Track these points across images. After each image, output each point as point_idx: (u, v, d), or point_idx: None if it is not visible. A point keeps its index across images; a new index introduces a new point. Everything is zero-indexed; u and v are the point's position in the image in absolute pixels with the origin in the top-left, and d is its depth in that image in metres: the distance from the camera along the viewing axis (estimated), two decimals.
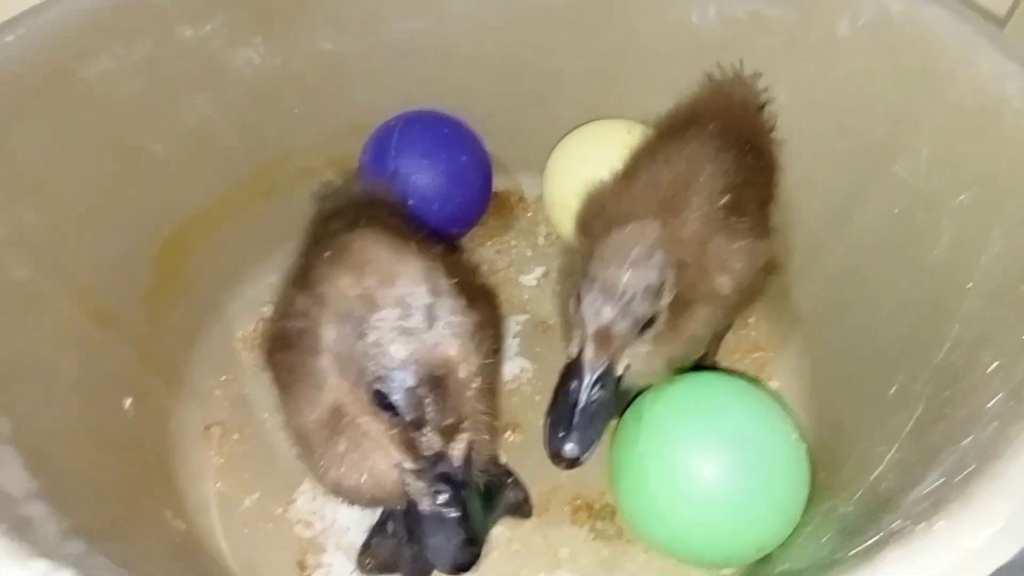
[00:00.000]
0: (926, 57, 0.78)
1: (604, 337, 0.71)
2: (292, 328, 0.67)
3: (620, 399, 0.78)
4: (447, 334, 0.54)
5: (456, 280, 0.58)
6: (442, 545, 0.59)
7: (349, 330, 0.56)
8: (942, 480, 0.53)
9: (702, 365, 0.98)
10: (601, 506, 0.91)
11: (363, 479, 0.68)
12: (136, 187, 0.90)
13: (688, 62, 0.98)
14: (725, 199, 0.80)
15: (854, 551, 0.53)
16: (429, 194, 1.02)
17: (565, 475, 0.92)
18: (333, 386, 0.62)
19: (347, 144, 1.07)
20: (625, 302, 0.70)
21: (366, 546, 0.88)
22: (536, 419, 0.97)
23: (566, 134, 1.08)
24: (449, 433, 0.56)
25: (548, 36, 1.05)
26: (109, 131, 0.86)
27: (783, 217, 0.93)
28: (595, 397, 0.72)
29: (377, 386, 0.55)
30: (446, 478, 0.57)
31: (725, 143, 0.85)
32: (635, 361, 0.74)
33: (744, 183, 0.83)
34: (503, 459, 0.93)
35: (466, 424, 0.57)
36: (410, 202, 0.98)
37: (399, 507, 0.87)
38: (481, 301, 0.84)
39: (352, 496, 0.72)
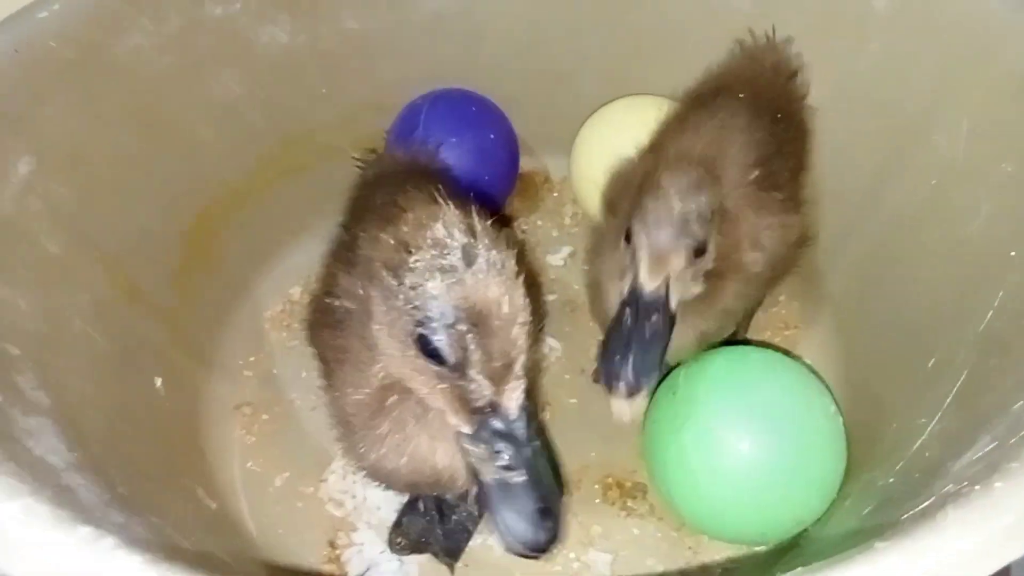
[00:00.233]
0: (969, 28, 0.77)
1: (660, 258, 0.69)
2: (338, 306, 0.66)
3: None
4: (487, 271, 0.52)
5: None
6: (513, 521, 0.54)
7: (390, 280, 0.54)
8: (994, 444, 0.53)
9: (733, 341, 0.97)
10: (632, 484, 0.90)
11: (403, 462, 0.66)
12: (166, 163, 0.90)
13: (717, 38, 0.98)
14: (756, 173, 0.79)
15: (906, 515, 0.52)
16: (457, 172, 1.01)
17: (596, 453, 0.92)
18: (382, 358, 0.60)
19: (373, 122, 1.07)
20: (681, 222, 0.69)
21: (397, 524, 0.88)
22: (566, 398, 0.97)
23: (594, 112, 1.07)
24: (499, 378, 0.52)
25: (575, 13, 1.04)
26: (140, 107, 0.86)
27: (815, 191, 0.92)
28: (652, 324, 0.70)
29: (420, 330, 0.52)
30: (504, 435, 0.54)
31: (756, 113, 0.84)
32: (685, 300, 0.72)
33: (776, 154, 0.82)
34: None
35: (518, 369, 0.53)
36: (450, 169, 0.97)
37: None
38: (528, 282, 0.83)
39: (389, 479, 0.70)
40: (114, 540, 0.49)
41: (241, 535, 0.87)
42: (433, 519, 0.87)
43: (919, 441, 0.68)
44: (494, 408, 0.53)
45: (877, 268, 0.90)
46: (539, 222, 1.16)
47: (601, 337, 0.77)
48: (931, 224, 0.81)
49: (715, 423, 0.76)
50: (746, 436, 0.74)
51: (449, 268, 0.51)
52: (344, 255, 0.72)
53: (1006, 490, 0.43)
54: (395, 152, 0.97)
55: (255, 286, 1.06)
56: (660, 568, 0.84)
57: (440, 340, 0.52)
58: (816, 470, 0.75)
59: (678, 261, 0.69)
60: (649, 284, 0.70)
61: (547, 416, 0.96)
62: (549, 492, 0.54)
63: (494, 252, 0.53)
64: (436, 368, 0.54)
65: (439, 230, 0.53)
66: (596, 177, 0.98)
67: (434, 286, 0.51)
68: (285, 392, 0.99)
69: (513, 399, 0.53)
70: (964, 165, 0.77)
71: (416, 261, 0.52)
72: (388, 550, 0.87)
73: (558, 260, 1.11)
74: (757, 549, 0.84)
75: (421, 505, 0.88)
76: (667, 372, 0.86)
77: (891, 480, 0.68)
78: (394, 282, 0.54)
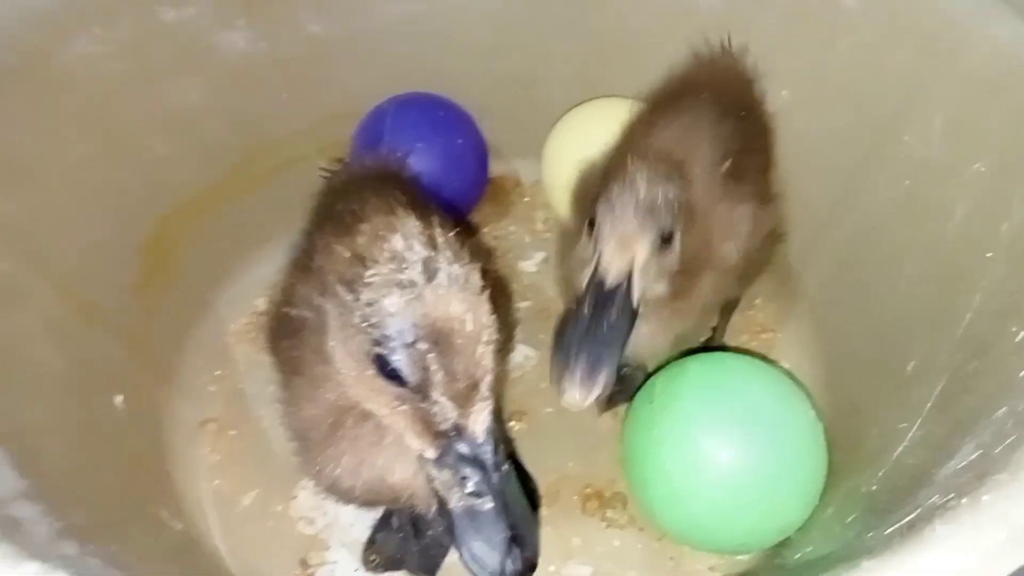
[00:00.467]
0: (938, 24, 0.76)
1: (624, 243, 0.66)
2: (295, 316, 0.64)
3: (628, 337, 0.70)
4: (449, 286, 0.48)
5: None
6: (481, 551, 0.51)
7: (345, 295, 0.51)
8: (979, 452, 0.51)
9: (709, 347, 0.96)
10: (612, 494, 0.88)
11: (360, 482, 0.63)
12: (121, 175, 0.87)
13: (686, 38, 0.96)
14: (725, 165, 0.78)
15: (891, 528, 0.50)
16: (424, 179, 0.99)
17: (574, 463, 0.90)
18: (338, 375, 0.57)
19: (338, 130, 1.04)
20: (647, 207, 0.66)
21: (371, 542, 0.86)
22: (543, 407, 0.95)
23: (564, 114, 1.06)
24: (464, 400, 0.49)
25: (542, 16, 1.02)
26: (91, 116, 0.83)
27: (787, 191, 0.91)
28: (611, 317, 0.67)
29: (377, 350, 0.49)
30: (471, 460, 0.50)
31: (721, 110, 0.83)
32: (647, 298, 0.69)
33: (743, 149, 0.81)
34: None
35: (484, 390, 0.50)
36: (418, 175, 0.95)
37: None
38: (495, 292, 0.81)
39: (347, 497, 0.67)
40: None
41: (209, 557, 0.84)
42: (408, 535, 0.85)
43: (901, 447, 0.67)
44: (459, 431, 0.50)
45: (853, 270, 0.89)
46: (511, 228, 1.14)
47: None
48: (905, 225, 0.80)
49: (693, 431, 0.74)
50: (725, 444, 0.73)
51: (408, 283, 0.48)
52: (304, 263, 0.70)
53: (994, 504, 0.42)
54: (362, 159, 0.94)
55: (218, 299, 1.03)
56: None
57: (399, 360, 0.49)
58: (797, 477, 0.74)
59: (643, 248, 0.67)
60: (611, 272, 0.67)
61: (523, 426, 0.94)
62: (520, 519, 0.51)
63: (456, 265, 0.50)
64: (396, 389, 0.50)
65: (397, 242, 0.50)
66: (568, 181, 0.97)
67: (392, 302, 0.48)
68: (252, 407, 0.96)
69: (479, 422, 0.50)
70: (938, 165, 0.77)
71: (373, 275, 0.49)
72: (362, 568, 0.84)
73: (531, 266, 1.09)
74: (739, 558, 0.83)
75: (395, 521, 0.85)
76: (644, 380, 0.85)
77: (874, 487, 0.67)
78: (349, 297, 0.50)
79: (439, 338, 0.48)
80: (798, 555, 0.73)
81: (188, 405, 0.95)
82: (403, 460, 0.61)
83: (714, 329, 0.97)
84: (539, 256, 1.10)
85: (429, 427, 0.51)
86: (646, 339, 0.75)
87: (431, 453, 0.52)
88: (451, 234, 0.52)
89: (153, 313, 0.92)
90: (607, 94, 1.05)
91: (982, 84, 0.72)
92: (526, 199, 1.17)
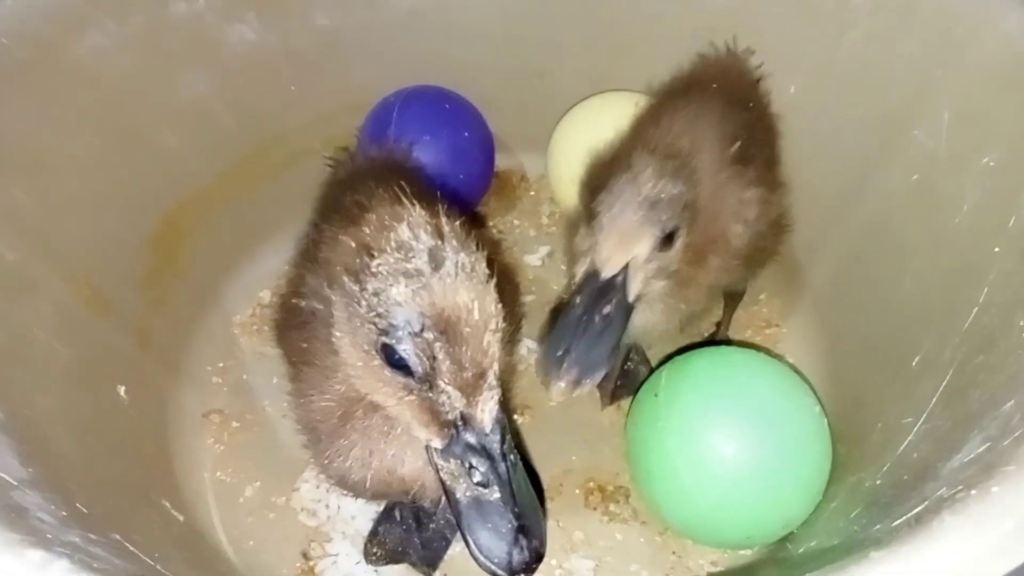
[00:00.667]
0: (947, 17, 0.76)
1: (622, 241, 0.65)
2: (304, 307, 0.63)
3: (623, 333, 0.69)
4: (456, 275, 0.48)
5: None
6: (488, 541, 0.50)
7: (351, 286, 0.50)
8: (987, 445, 0.51)
9: (714, 341, 0.96)
10: (615, 488, 0.88)
11: (369, 473, 0.63)
12: (130, 167, 0.87)
13: (695, 31, 0.96)
14: (735, 147, 0.78)
15: (898, 521, 0.50)
16: (430, 171, 0.99)
17: (577, 457, 0.90)
18: (345, 367, 0.57)
19: (346, 122, 1.04)
20: (649, 205, 0.65)
21: (373, 534, 0.85)
22: (547, 401, 0.95)
23: (570, 108, 1.06)
24: (471, 389, 0.49)
25: (550, 8, 1.02)
26: (102, 109, 0.83)
27: (794, 185, 0.91)
28: (605, 314, 0.65)
29: (384, 339, 0.49)
30: (478, 449, 0.50)
31: (728, 102, 0.83)
32: (648, 297, 0.69)
33: (750, 139, 0.81)
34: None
35: (491, 379, 0.49)
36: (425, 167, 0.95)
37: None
38: (502, 282, 0.81)
39: (358, 490, 0.67)
40: (67, 564, 0.47)
41: (210, 548, 0.84)
42: (410, 528, 0.84)
43: (906, 441, 0.67)
44: (466, 421, 0.50)
45: (859, 263, 0.89)
46: (516, 221, 1.14)
47: None
48: (913, 219, 0.80)
49: (698, 425, 0.74)
50: (730, 437, 0.73)
51: (414, 272, 0.48)
52: (313, 254, 0.70)
53: (1003, 495, 0.42)
54: (368, 150, 0.94)
55: (224, 292, 1.03)
56: (645, 574, 0.83)
57: (406, 350, 0.49)
58: (801, 471, 0.74)
59: (641, 247, 0.66)
60: (607, 267, 0.66)
61: (527, 420, 0.93)
62: (527, 509, 0.51)
63: (463, 254, 0.49)
64: (402, 379, 0.50)
65: (403, 232, 0.50)
66: (574, 175, 0.96)
67: (398, 292, 0.48)
68: (256, 399, 0.96)
69: (486, 411, 0.50)
70: (946, 159, 0.76)
71: (379, 265, 0.49)
72: (364, 561, 0.84)
73: (536, 260, 1.09)
74: (743, 553, 0.83)
75: (397, 514, 0.85)
76: (648, 374, 0.84)
77: (879, 482, 0.67)
78: (355, 287, 0.50)
79: (446, 327, 0.48)
80: (802, 549, 0.73)
81: (192, 396, 0.95)
82: (413, 451, 0.61)
83: (718, 324, 0.97)
84: (544, 250, 1.10)
85: (436, 417, 0.51)
86: (652, 321, 0.75)
87: (438, 443, 0.51)
88: (457, 223, 0.52)
89: (160, 305, 0.92)
90: (614, 88, 1.05)
91: (991, 77, 0.72)
92: (531, 193, 1.17)
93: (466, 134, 1.04)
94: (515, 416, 0.93)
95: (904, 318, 0.79)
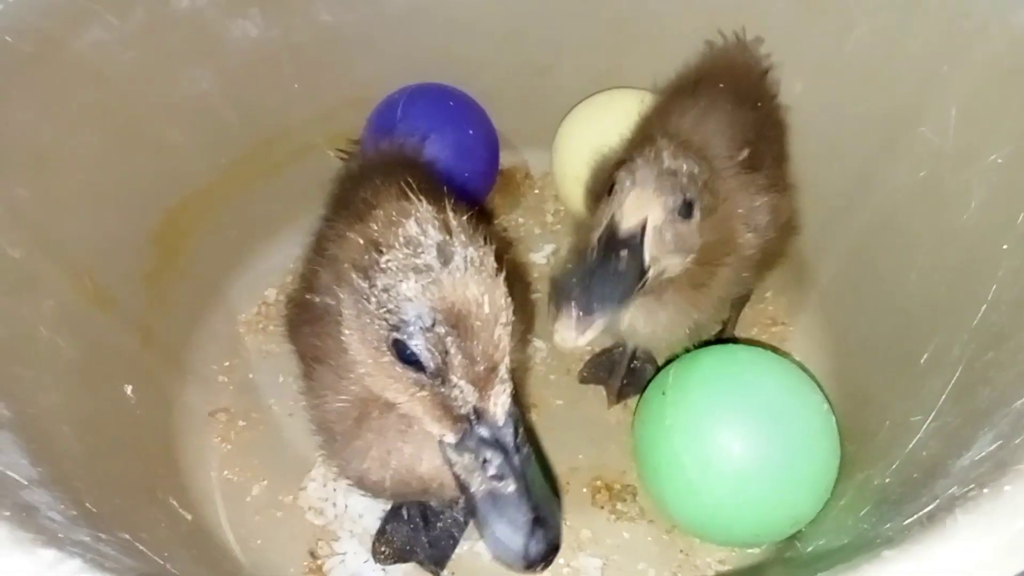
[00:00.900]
0: (955, 12, 0.75)
1: (641, 200, 0.65)
2: (318, 302, 0.63)
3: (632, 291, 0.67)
4: (465, 270, 0.48)
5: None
6: (506, 534, 0.50)
7: (360, 283, 0.50)
8: (998, 443, 0.51)
9: (721, 339, 0.95)
10: (622, 486, 0.88)
11: (389, 473, 0.63)
12: (133, 163, 0.87)
13: (701, 26, 0.95)
14: (743, 155, 0.78)
15: (909, 519, 0.50)
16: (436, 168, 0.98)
17: (584, 455, 0.90)
18: (357, 366, 0.57)
19: (349, 118, 1.04)
20: (670, 174, 0.66)
21: (380, 533, 0.85)
22: (553, 399, 0.95)
23: (575, 105, 1.05)
24: (483, 383, 0.49)
25: (554, 3, 1.02)
26: (104, 105, 0.83)
27: (801, 182, 0.91)
28: (621, 259, 0.65)
29: (395, 335, 0.49)
30: (491, 443, 0.50)
31: (737, 101, 0.83)
32: (661, 276, 0.68)
33: (758, 139, 0.81)
34: None
35: (503, 373, 0.49)
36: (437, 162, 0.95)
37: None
38: (512, 279, 0.80)
39: (376, 490, 0.67)
40: (79, 563, 0.47)
41: (218, 547, 0.84)
42: (418, 526, 0.84)
43: (915, 439, 0.66)
44: (479, 415, 0.50)
45: (866, 260, 0.88)
46: (520, 219, 1.13)
47: None
48: (920, 215, 0.80)
49: (705, 423, 0.74)
50: (737, 435, 0.73)
51: (424, 268, 0.48)
52: (324, 250, 0.70)
53: (1016, 493, 0.42)
54: (378, 145, 0.93)
55: (229, 289, 1.03)
56: (652, 572, 0.83)
57: (418, 345, 0.48)
58: (809, 469, 0.73)
59: (660, 207, 0.66)
60: (624, 223, 0.66)
61: (534, 418, 0.93)
62: (542, 501, 0.51)
63: (471, 248, 0.49)
64: (414, 375, 0.50)
65: (411, 227, 0.50)
66: (578, 172, 0.96)
67: (408, 287, 0.48)
68: (262, 398, 0.96)
69: (499, 404, 0.50)
70: (953, 155, 0.76)
71: (388, 261, 0.49)
72: (372, 559, 0.84)
73: (541, 258, 1.09)
74: (751, 551, 0.83)
75: (405, 512, 0.85)
76: (655, 372, 0.84)
77: (888, 480, 0.67)
78: (364, 284, 0.50)
79: (457, 321, 0.48)
80: (810, 548, 0.73)
81: (198, 395, 0.95)
82: (431, 449, 0.60)
83: (725, 322, 0.97)
84: (549, 248, 1.10)
85: (449, 412, 0.50)
86: (665, 326, 0.75)
87: (451, 438, 0.51)
88: (464, 217, 0.51)
89: (164, 302, 0.92)
90: (619, 84, 1.05)
91: (999, 73, 0.72)
92: (536, 190, 1.16)
93: (470, 131, 1.04)
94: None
95: (911, 315, 0.79)
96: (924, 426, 0.67)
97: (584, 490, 0.88)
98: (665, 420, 0.76)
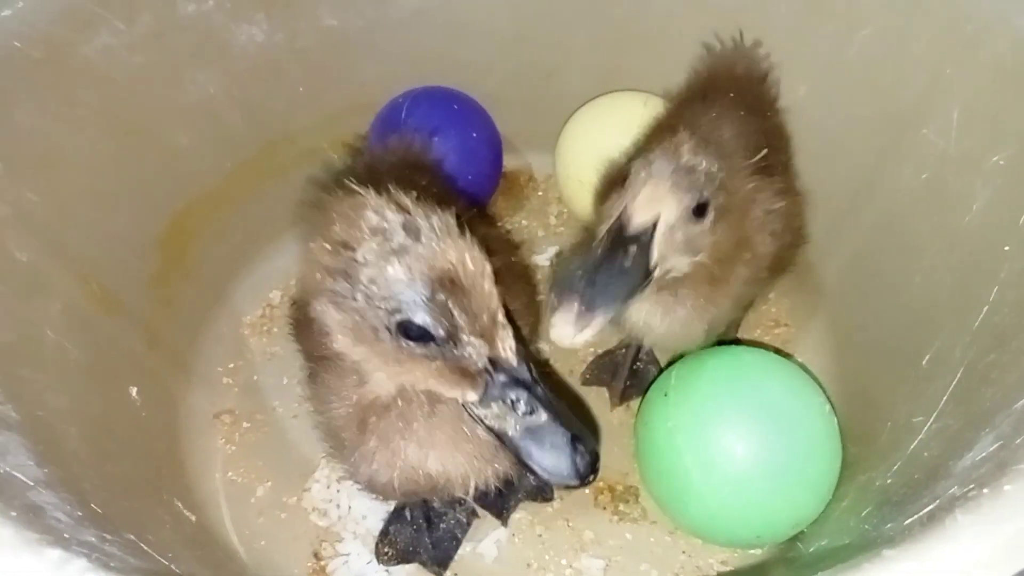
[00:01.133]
0: (958, 14, 0.76)
1: (654, 195, 0.64)
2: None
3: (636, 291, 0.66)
4: (438, 238, 0.51)
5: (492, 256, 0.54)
6: (553, 461, 0.52)
7: (341, 285, 0.52)
8: (998, 444, 0.51)
9: (724, 341, 0.95)
10: (624, 488, 0.88)
11: (395, 474, 0.64)
12: (140, 166, 0.87)
13: (703, 30, 0.96)
14: (760, 155, 0.77)
15: (910, 519, 0.50)
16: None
17: None
18: (362, 365, 0.58)
19: (354, 122, 1.04)
20: (686, 169, 0.64)
21: (384, 534, 0.86)
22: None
23: (578, 108, 1.05)
24: (490, 332, 0.52)
25: (559, 7, 1.02)
26: (112, 108, 0.83)
27: (804, 185, 0.91)
28: (628, 256, 0.63)
29: (398, 318, 0.51)
30: (513, 383, 0.52)
31: (747, 109, 0.83)
32: (668, 274, 0.67)
33: (768, 146, 0.81)
34: None
35: (502, 319, 0.52)
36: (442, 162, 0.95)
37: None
38: (519, 280, 0.81)
39: (387, 492, 0.69)
40: (84, 563, 0.47)
41: (222, 548, 0.85)
42: (420, 528, 0.85)
43: (917, 440, 0.67)
44: (494, 364, 0.52)
45: (869, 263, 0.88)
46: (524, 222, 1.14)
47: None
48: (923, 218, 0.80)
49: (708, 424, 0.74)
50: (739, 437, 0.73)
51: (400, 248, 0.51)
52: None
53: (1016, 493, 0.42)
54: (386, 144, 0.94)
55: (233, 292, 1.03)
56: (654, 573, 0.83)
57: (424, 318, 0.51)
58: (811, 470, 0.73)
59: (673, 206, 0.64)
60: (634, 221, 0.64)
61: None
62: (571, 423, 0.53)
63: (434, 218, 0.52)
64: (424, 349, 0.52)
65: (371, 217, 0.52)
66: (582, 175, 0.97)
67: (395, 271, 0.50)
68: (266, 400, 0.97)
69: (509, 348, 0.52)
70: (956, 157, 0.76)
71: (363, 255, 0.51)
72: (375, 560, 0.84)
73: (544, 260, 1.09)
74: (753, 552, 0.83)
75: (408, 513, 0.86)
76: (659, 373, 0.84)
77: (889, 480, 0.67)
78: (346, 285, 0.52)
79: (450, 285, 0.50)
80: (812, 548, 0.73)
81: (203, 397, 0.95)
82: (434, 448, 0.63)
83: (728, 325, 0.97)
84: (552, 250, 1.10)
85: (466, 372, 0.52)
86: (683, 323, 0.75)
87: (474, 395, 0.53)
88: (412, 194, 0.53)
89: (170, 305, 0.93)
90: (623, 87, 1.05)
91: (1002, 75, 0.72)
92: (540, 193, 1.17)
93: (474, 134, 1.04)
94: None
95: (914, 317, 0.79)
96: (926, 427, 0.67)
97: (587, 491, 0.88)
98: (667, 422, 0.76)
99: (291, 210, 0.99)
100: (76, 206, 0.80)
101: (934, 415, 0.67)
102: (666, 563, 0.83)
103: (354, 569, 0.84)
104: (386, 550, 0.85)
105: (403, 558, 0.84)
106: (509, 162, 1.15)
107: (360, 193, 0.54)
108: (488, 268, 0.52)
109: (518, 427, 0.53)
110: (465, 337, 0.51)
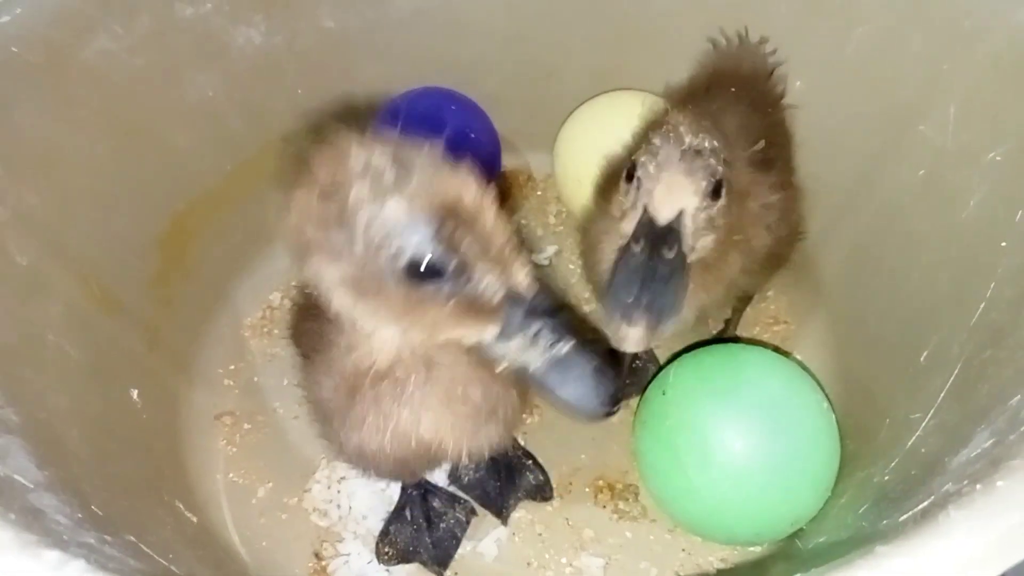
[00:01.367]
0: (956, 10, 0.75)
1: (673, 188, 0.62)
2: (313, 295, 0.63)
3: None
4: (431, 171, 0.48)
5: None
6: (580, 390, 0.51)
7: (335, 236, 0.49)
8: (993, 440, 0.51)
9: (722, 338, 0.96)
10: (624, 486, 0.88)
11: (386, 439, 0.62)
12: (140, 168, 0.87)
13: (703, 27, 0.96)
14: (759, 145, 0.77)
15: (906, 515, 0.50)
16: None
17: (586, 455, 0.90)
18: (371, 323, 0.54)
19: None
20: (694, 153, 0.62)
21: (384, 534, 0.86)
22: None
23: (576, 107, 1.06)
24: (504, 260, 0.49)
25: (556, 6, 1.02)
26: (111, 111, 0.84)
27: (802, 181, 0.91)
28: (668, 259, 0.62)
29: (404, 260, 0.48)
30: (534, 312, 0.50)
31: (748, 105, 0.83)
32: (700, 244, 0.65)
33: (769, 138, 0.80)
34: (521, 442, 0.91)
35: (510, 248, 0.49)
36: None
37: (419, 485, 0.85)
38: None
39: (376, 462, 0.65)
40: (83, 564, 0.47)
41: (223, 549, 0.85)
42: (421, 527, 0.85)
43: (914, 437, 0.67)
44: (512, 295, 0.50)
45: (867, 259, 0.89)
46: (523, 221, 1.14)
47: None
48: (921, 214, 0.80)
49: (706, 422, 0.75)
50: (738, 434, 0.73)
51: (395, 183, 0.47)
52: None
53: (1009, 489, 0.42)
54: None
55: (234, 293, 1.03)
56: (654, 571, 0.83)
57: (433, 252, 0.47)
58: (810, 468, 0.74)
59: (693, 195, 0.62)
60: (662, 213, 0.62)
61: (535, 419, 0.93)
62: (595, 350, 0.51)
63: (424, 150, 0.49)
64: (437, 287, 0.49)
65: (357, 159, 0.48)
66: (580, 174, 0.97)
67: (394, 207, 0.47)
68: (267, 401, 0.97)
69: (523, 275, 0.50)
70: (953, 153, 0.76)
71: (356, 197, 0.47)
72: (375, 560, 0.85)
73: (543, 259, 1.09)
74: (752, 549, 0.83)
75: (408, 513, 0.86)
76: (656, 372, 0.84)
77: (887, 477, 0.67)
78: (341, 235, 0.48)
79: (453, 214, 0.47)
80: (811, 545, 0.73)
81: (204, 398, 0.95)
82: (427, 412, 0.60)
83: (727, 321, 0.97)
84: (551, 249, 1.10)
85: (484, 307, 0.50)
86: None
87: (493, 330, 0.51)
88: (388, 135, 0.50)
89: (170, 306, 0.93)
90: (621, 86, 1.05)
91: (999, 71, 0.72)
92: (538, 192, 1.17)
93: (472, 135, 1.04)
94: (525, 416, 0.93)
95: (912, 313, 0.79)
96: (923, 424, 0.67)
97: (586, 490, 0.88)
98: (666, 419, 0.76)
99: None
100: (76, 207, 0.81)
101: (932, 411, 0.67)
102: (666, 561, 0.83)
103: (355, 569, 0.84)
104: (386, 550, 0.85)
105: (403, 558, 0.84)
106: (508, 162, 1.15)
107: (336, 140, 0.50)
108: (489, 196, 0.49)
109: (542, 360, 0.51)
110: (478, 267, 0.48)
